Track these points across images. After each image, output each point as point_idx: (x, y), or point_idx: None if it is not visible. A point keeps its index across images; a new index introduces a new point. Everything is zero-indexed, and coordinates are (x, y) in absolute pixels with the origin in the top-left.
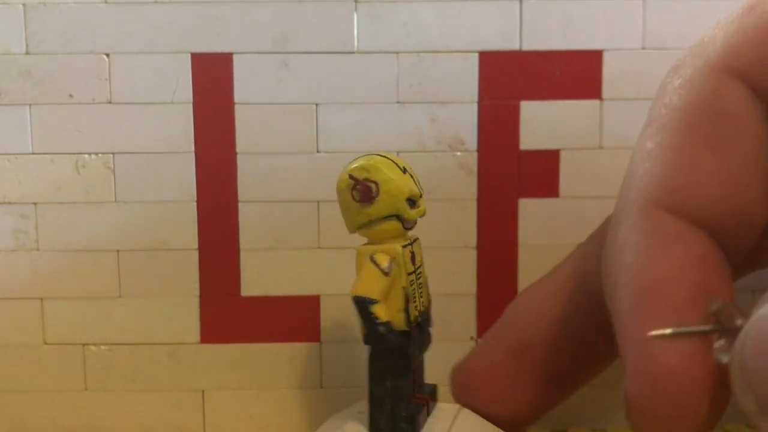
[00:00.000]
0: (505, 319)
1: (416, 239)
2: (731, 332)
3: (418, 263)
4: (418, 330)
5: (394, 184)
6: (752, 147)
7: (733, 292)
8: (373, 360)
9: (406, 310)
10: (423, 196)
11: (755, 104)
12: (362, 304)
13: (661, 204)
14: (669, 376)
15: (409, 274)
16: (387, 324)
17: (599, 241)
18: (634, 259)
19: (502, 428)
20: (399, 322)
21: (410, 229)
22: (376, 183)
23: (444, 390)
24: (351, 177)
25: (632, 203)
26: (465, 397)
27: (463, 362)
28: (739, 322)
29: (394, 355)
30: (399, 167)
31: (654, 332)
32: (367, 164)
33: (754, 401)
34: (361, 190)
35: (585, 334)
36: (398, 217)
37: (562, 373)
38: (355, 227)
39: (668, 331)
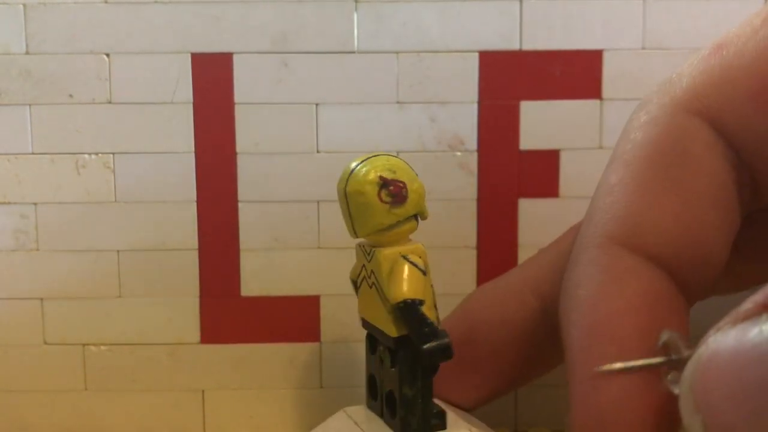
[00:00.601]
0: (454, 313)
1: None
2: (681, 363)
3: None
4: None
5: (418, 183)
6: (712, 188)
7: (688, 327)
8: (404, 362)
9: (436, 307)
10: None
11: (717, 145)
12: (413, 307)
13: (619, 240)
14: (614, 411)
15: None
16: (434, 324)
17: (557, 249)
18: (587, 294)
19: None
20: (435, 319)
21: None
22: (404, 183)
23: None
24: (381, 178)
25: (591, 238)
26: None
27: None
28: (686, 353)
29: (445, 354)
30: (409, 166)
31: (602, 368)
32: (388, 164)
33: (701, 423)
34: (393, 191)
35: (532, 337)
36: (416, 217)
37: (507, 370)
38: (373, 230)
39: (617, 366)
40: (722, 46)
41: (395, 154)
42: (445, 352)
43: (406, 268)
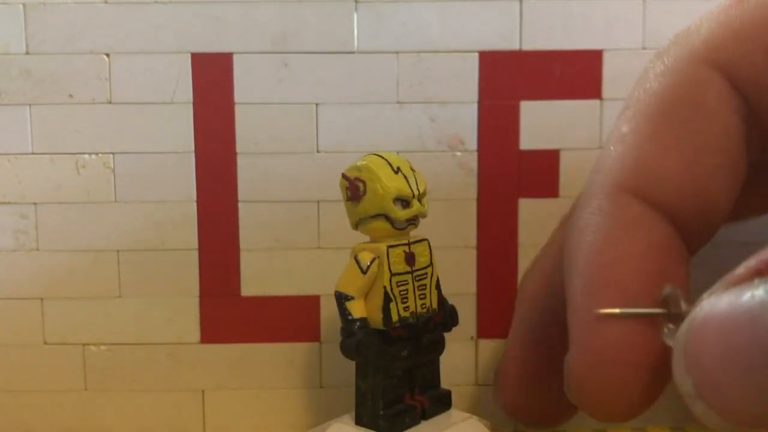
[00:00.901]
0: (515, 314)
1: (421, 240)
2: (679, 317)
3: (419, 265)
4: (410, 331)
5: (380, 183)
6: (724, 141)
7: (688, 278)
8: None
9: (386, 310)
10: (423, 197)
11: (732, 99)
12: (339, 300)
13: (628, 188)
14: (612, 353)
15: (400, 274)
16: (359, 320)
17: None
18: (593, 239)
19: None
20: (376, 320)
21: (402, 229)
22: (363, 182)
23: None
24: (343, 175)
25: (600, 185)
26: (499, 397)
27: (499, 362)
28: (685, 308)
29: (358, 351)
30: (392, 167)
31: (603, 311)
32: (361, 164)
33: (692, 384)
34: (350, 189)
35: None
36: (386, 217)
37: None
38: (353, 225)
39: (617, 311)
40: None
41: (395, 153)
42: (354, 349)
43: (349, 264)
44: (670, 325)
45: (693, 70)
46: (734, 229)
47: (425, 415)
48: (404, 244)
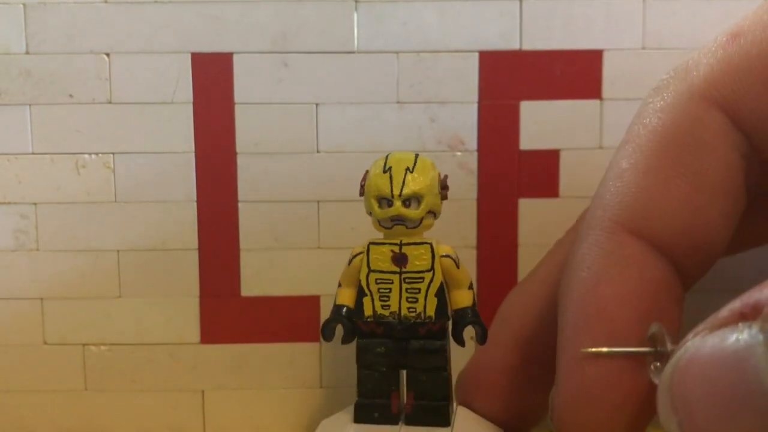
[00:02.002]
0: (497, 320)
1: (422, 243)
2: (665, 356)
3: (413, 267)
4: (388, 330)
5: (369, 182)
6: (722, 177)
7: (680, 316)
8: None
9: (358, 303)
10: (413, 199)
11: (732, 135)
12: (338, 285)
13: (626, 225)
14: (598, 389)
15: (381, 272)
16: (337, 306)
17: (574, 235)
18: (587, 276)
19: (504, 429)
20: (356, 310)
21: (388, 228)
22: (364, 179)
23: None
24: (366, 171)
25: (598, 221)
26: (466, 398)
27: (466, 365)
28: (670, 347)
29: (321, 331)
30: (384, 166)
31: (590, 349)
32: (374, 161)
33: (677, 423)
34: (361, 184)
35: None
36: (373, 215)
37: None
38: None
39: (604, 349)
40: (739, 35)
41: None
42: (321, 331)
43: None
44: (657, 363)
45: (692, 106)
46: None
47: (408, 421)
48: (393, 244)
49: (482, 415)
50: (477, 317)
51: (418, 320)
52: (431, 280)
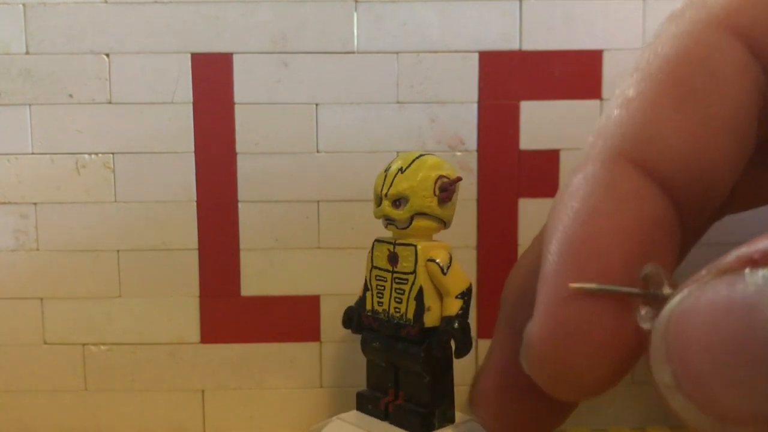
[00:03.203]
0: (498, 317)
1: (408, 245)
2: (658, 300)
3: (401, 268)
4: (380, 326)
5: (376, 184)
6: (734, 112)
7: (676, 259)
8: None
9: (363, 296)
10: (397, 199)
11: (751, 67)
12: None
13: (627, 156)
14: (578, 328)
15: (379, 269)
16: (361, 297)
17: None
18: (581, 207)
19: None
20: (361, 303)
21: (386, 226)
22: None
23: None
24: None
25: (598, 150)
26: (475, 408)
27: (477, 372)
28: (667, 290)
29: (343, 318)
30: (388, 165)
31: (577, 284)
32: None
33: (671, 374)
34: None
35: None
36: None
37: None
38: None
39: (593, 286)
40: None
41: (395, 154)
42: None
43: None
44: (648, 308)
45: (709, 33)
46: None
47: (391, 420)
48: (390, 243)
49: (488, 425)
50: (453, 328)
51: (401, 321)
52: (413, 283)
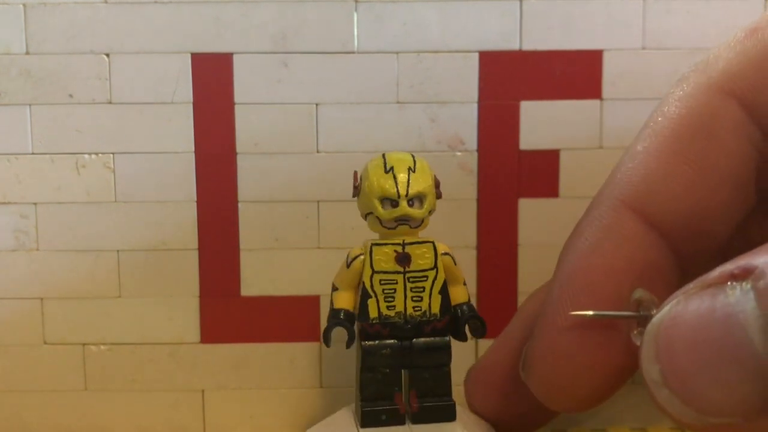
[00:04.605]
0: (512, 320)
1: (424, 242)
2: (648, 320)
3: (416, 267)
4: (394, 330)
5: (369, 182)
6: (732, 170)
7: (667, 296)
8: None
9: (363, 305)
10: (416, 199)
11: (747, 128)
12: (332, 289)
13: (630, 204)
14: (569, 349)
15: (385, 272)
16: (336, 310)
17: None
18: (584, 246)
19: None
20: (360, 313)
21: (392, 228)
22: (360, 179)
23: None
24: (355, 171)
25: (607, 197)
26: (472, 396)
27: (476, 363)
28: (655, 311)
29: (323, 339)
30: (385, 167)
31: (576, 313)
32: (367, 162)
33: (659, 371)
34: (353, 184)
35: None
36: (375, 215)
37: None
38: (363, 218)
39: (589, 313)
40: (757, 30)
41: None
42: (322, 336)
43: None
44: (640, 328)
45: (710, 98)
46: None
47: (414, 420)
48: (396, 244)
49: (483, 413)
50: (475, 311)
51: (424, 318)
52: (435, 278)
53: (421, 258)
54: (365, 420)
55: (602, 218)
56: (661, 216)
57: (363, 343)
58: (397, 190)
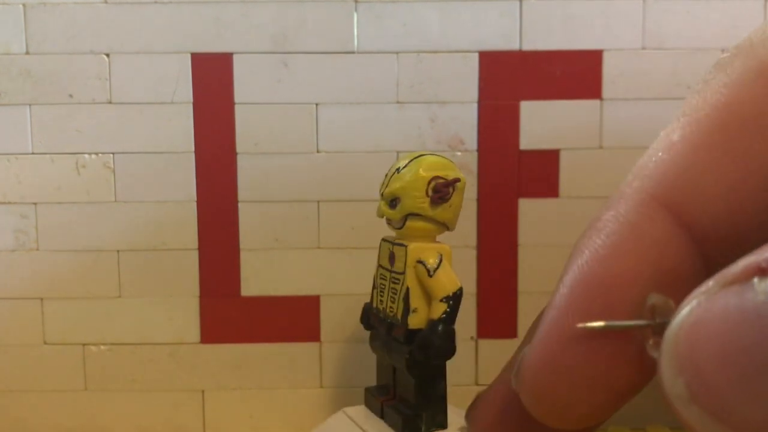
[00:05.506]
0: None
1: (401, 245)
2: (665, 328)
3: (396, 268)
4: (379, 324)
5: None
6: None
7: None
8: None
9: (372, 294)
10: (391, 199)
11: None
12: None
13: (662, 198)
14: (569, 363)
15: (382, 268)
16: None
17: None
18: (602, 245)
19: None
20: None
21: (388, 225)
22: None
23: None
24: None
25: (634, 191)
26: (476, 425)
27: (481, 393)
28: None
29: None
30: (394, 166)
31: (585, 325)
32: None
33: (684, 386)
34: None
35: None
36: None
37: None
38: None
39: (600, 324)
40: None
41: (395, 153)
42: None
43: None
44: (656, 337)
45: (760, 85)
46: None
47: (385, 418)
48: (390, 242)
49: None
50: (434, 332)
51: (394, 321)
52: (402, 283)
53: (399, 260)
54: (365, 398)
55: (628, 215)
56: (697, 216)
57: (372, 329)
58: (380, 189)
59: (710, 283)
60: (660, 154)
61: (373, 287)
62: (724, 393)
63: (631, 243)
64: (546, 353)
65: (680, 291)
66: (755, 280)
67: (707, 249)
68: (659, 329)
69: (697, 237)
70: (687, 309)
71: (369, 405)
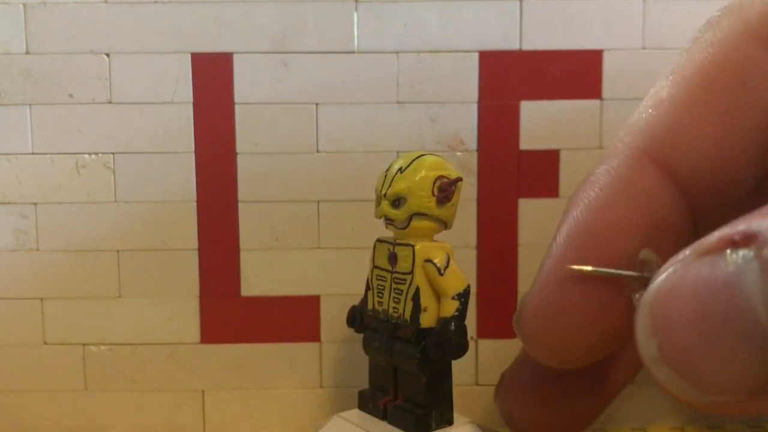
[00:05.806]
0: None
1: (406, 245)
2: (650, 282)
3: (399, 268)
4: (379, 325)
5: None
6: (762, 125)
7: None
8: None
9: (365, 295)
10: (394, 199)
11: None
12: None
13: (652, 153)
14: (567, 307)
15: (380, 269)
16: (364, 296)
17: None
18: (596, 197)
19: None
20: (364, 303)
21: (387, 225)
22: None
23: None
24: None
25: (625, 146)
26: (505, 403)
27: (510, 365)
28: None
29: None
30: (390, 165)
31: (575, 267)
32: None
33: (657, 347)
34: None
35: None
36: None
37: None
38: None
39: (588, 268)
40: None
41: (395, 154)
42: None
43: None
44: (642, 291)
45: (745, 43)
46: None
47: (388, 420)
48: (390, 243)
49: (521, 422)
50: (448, 329)
51: (399, 321)
52: (410, 283)
53: (404, 261)
54: (359, 401)
55: (620, 169)
56: (684, 170)
57: (364, 331)
58: (381, 189)
59: (687, 252)
60: (650, 110)
61: (368, 289)
62: (692, 355)
63: (622, 195)
64: (543, 297)
65: (670, 243)
66: (728, 251)
67: (695, 202)
68: (645, 283)
69: (685, 190)
70: (664, 275)
71: (364, 408)
